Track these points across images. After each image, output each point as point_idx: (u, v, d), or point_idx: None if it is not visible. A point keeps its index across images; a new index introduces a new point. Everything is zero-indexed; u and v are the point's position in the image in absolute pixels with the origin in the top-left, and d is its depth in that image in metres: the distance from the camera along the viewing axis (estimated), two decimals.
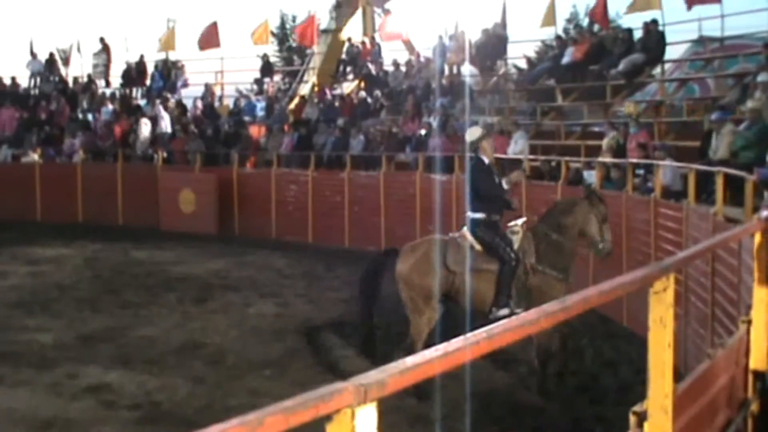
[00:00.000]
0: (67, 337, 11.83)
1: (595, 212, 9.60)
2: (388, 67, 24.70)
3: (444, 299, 9.50)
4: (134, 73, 27.52)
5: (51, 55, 28.58)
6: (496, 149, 10.52)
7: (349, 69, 25.84)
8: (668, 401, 3.49)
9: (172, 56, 27.53)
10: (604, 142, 16.09)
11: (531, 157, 17.16)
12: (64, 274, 16.36)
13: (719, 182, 10.15)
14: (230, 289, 15.19)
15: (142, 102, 26.70)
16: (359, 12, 26.10)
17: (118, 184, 22.86)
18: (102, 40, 28.19)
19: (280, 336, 12.01)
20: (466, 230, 9.58)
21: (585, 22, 36.40)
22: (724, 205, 9.93)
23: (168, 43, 27.26)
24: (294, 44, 38.47)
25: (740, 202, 9.59)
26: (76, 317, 12.99)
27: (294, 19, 41.99)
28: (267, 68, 27.07)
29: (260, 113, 24.59)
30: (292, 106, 25.02)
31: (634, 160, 13.91)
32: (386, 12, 26.45)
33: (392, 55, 25.36)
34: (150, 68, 27.59)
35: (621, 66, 18.91)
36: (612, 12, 24.77)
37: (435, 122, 19.75)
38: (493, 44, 22.77)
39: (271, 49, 33.97)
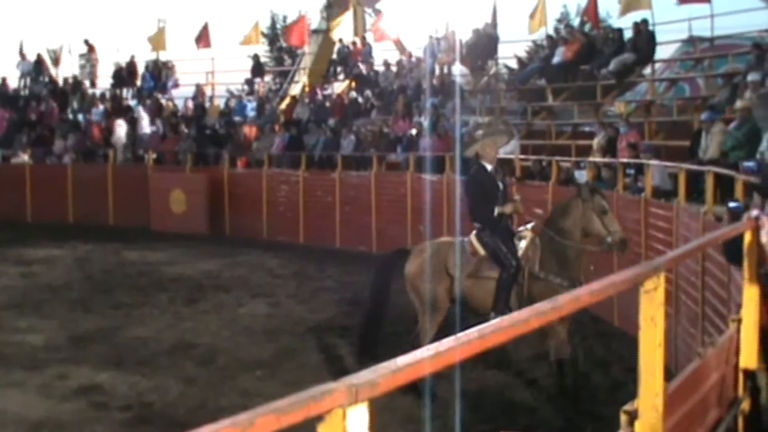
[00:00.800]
0: (58, 338, 11.80)
1: (591, 207, 9.04)
2: (379, 67, 24.69)
3: (452, 302, 9.32)
4: (125, 74, 27.47)
5: (39, 55, 28.49)
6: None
7: (339, 69, 25.84)
8: (659, 400, 3.50)
9: (163, 56, 27.49)
10: (595, 142, 16.13)
11: (522, 156, 17.19)
12: (55, 275, 16.32)
13: (709, 182, 10.18)
14: (222, 289, 15.18)
15: (133, 102, 26.65)
16: (350, 12, 26.10)
17: (108, 185, 22.81)
18: (87, 41, 28.17)
19: (272, 336, 12.00)
20: (473, 235, 9.32)
21: (576, 21, 36.43)
22: (714, 204, 9.96)
23: (158, 44, 27.22)
24: (285, 44, 38.37)
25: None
26: (68, 318, 12.96)
27: (285, 19, 41.94)
28: (258, 68, 27.05)
29: (251, 113, 24.57)
30: (283, 106, 25.01)
31: (625, 160, 13.94)
32: (377, 12, 26.45)
33: (383, 55, 25.39)
34: (141, 68, 27.55)
35: (611, 66, 18.95)
36: (602, 12, 24.85)
37: (426, 122, 19.76)
38: (484, 44, 22.80)
39: (262, 49, 33.94)
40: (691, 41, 20.48)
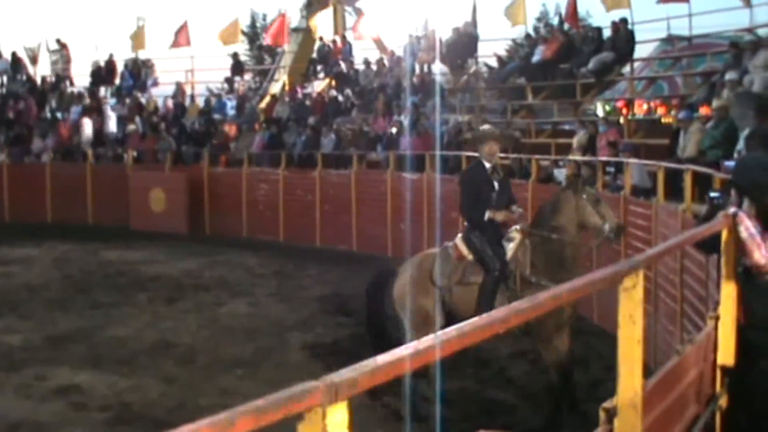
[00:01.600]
0: (36, 338, 11.74)
1: (584, 198, 8.39)
2: (359, 65, 24.69)
3: (445, 316, 8.60)
4: (104, 72, 27.33)
5: (14, 54, 28.26)
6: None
7: (320, 68, 25.81)
8: (638, 397, 3.52)
9: (142, 55, 27.38)
10: (575, 140, 16.19)
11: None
12: (33, 275, 16.22)
13: (688, 180, 10.24)
14: (201, 288, 15.15)
15: (112, 101, 26.52)
16: (329, 10, 26.05)
17: (87, 184, 22.69)
18: (58, 40, 28.01)
19: (252, 335, 11.98)
20: (458, 238, 8.77)
21: (555, 20, 36.57)
22: (693, 202, 10.02)
23: (138, 42, 27.10)
24: (265, 43, 38.30)
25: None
26: (46, 318, 12.89)
27: (264, 17, 41.90)
28: (238, 67, 26.96)
29: (231, 112, 24.51)
30: (262, 104, 24.96)
31: (604, 159, 14.00)
32: (358, 11, 26.43)
33: (363, 53, 25.39)
34: (120, 67, 27.41)
35: (591, 64, 19.02)
36: (582, 11, 24.92)
37: (406, 121, 19.77)
38: (464, 43, 22.82)
39: (242, 47, 33.87)
40: (670, 40, 20.60)
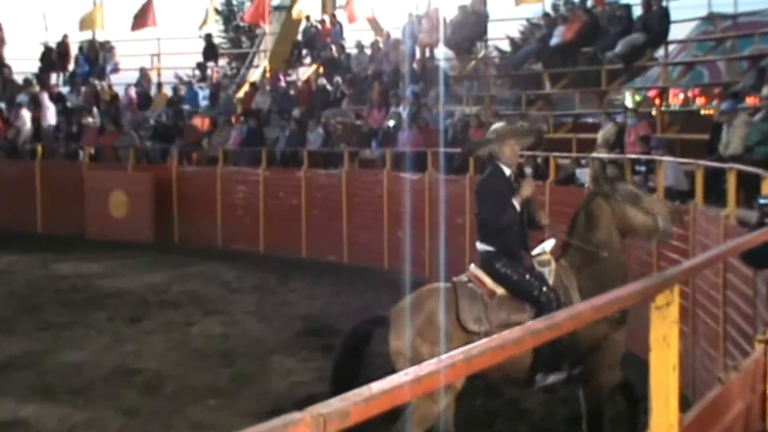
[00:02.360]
0: None
1: (619, 200, 7.96)
2: (351, 49, 24.70)
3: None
4: (55, 56, 27.32)
5: None
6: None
7: (305, 52, 25.83)
8: None
9: (100, 36, 27.38)
10: (599, 135, 16.20)
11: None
12: None
13: (731, 181, 10.23)
14: (169, 305, 15.14)
15: (65, 89, 26.51)
16: None
17: (36, 186, 22.68)
18: None
19: (228, 359, 11.97)
20: (475, 269, 8.01)
21: None
22: (737, 207, 10.01)
23: (94, 21, 27.10)
24: (242, 23, 38.32)
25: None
26: None
27: None
28: (211, 51, 26.97)
29: (203, 102, 24.53)
30: (240, 94, 24.98)
31: (634, 156, 14.00)
32: None
33: (355, 35, 25.39)
34: (74, 50, 27.40)
35: (618, 48, 19.02)
36: None
37: (405, 113, 19.79)
38: (472, 23, 22.85)
39: (216, 29, 33.87)
40: (711, 19, 20.60)
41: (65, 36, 27.65)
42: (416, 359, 7.40)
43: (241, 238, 20.42)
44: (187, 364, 11.78)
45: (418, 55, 23.00)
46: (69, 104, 25.24)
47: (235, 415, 9.67)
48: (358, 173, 19.44)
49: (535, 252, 8.04)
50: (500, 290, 7.83)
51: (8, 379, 11.13)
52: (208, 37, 27.17)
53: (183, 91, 25.35)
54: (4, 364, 11.74)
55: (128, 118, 23.88)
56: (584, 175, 14.96)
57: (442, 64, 22.42)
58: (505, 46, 28.85)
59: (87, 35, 27.45)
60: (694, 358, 10.10)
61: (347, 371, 8.03)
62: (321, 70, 24.50)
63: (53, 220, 22.31)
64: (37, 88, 25.63)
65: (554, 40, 20.71)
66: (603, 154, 15.11)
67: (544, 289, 7.73)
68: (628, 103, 18.75)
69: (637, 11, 19.52)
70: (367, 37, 25.08)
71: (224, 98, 24.51)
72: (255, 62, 26.91)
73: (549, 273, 7.88)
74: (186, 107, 24.21)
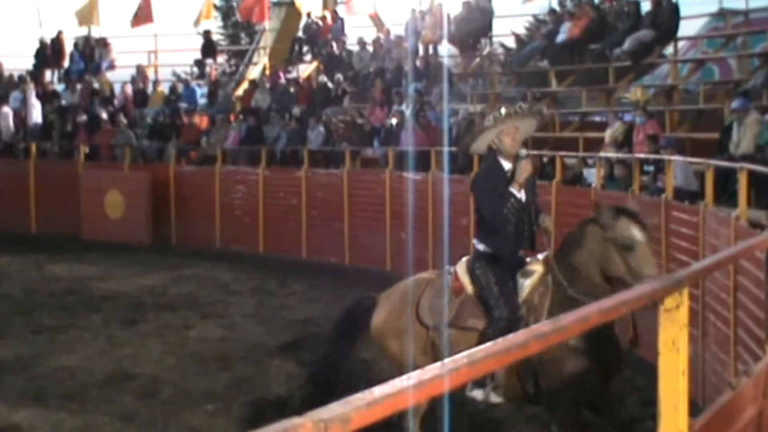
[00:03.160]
0: None
1: (611, 238, 7.18)
2: (353, 46, 24.69)
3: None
4: (50, 53, 27.31)
5: None
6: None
7: (306, 48, 25.81)
8: None
9: (96, 32, 27.37)
10: (607, 134, 16.19)
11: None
12: None
13: (742, 181, 10.22)
14: (166, 308, 15.15)
15: (59, 87, 26.51)
16: None
17: (30, 185, 22.69)
18: None
19: (226, 364, 11.96)
20: (461, 263, 7.92)
21: None
22: (748, 207, 10.01)
23: (89, 17, 27.09)
24: (241, 19, 38.34)
25: (767, 205, 9.66)
26: None
27: None
28: (209, 48, 26.96)
29: (201, 100, 24.51)
30: (239, 92, 24.96)
31: (642, 156, 13.99)
32: None
33: (357, 32, 25.37)
34: (69, 46, 27.40)
35: (626, 45, 19.01)
36: None
37: (408, 111, 19.78)
38: (476, 19, 22.84)
39: (215, 25, 33.89)
40: (722, 15, 20.58)
41: (60, 32, 27.64)
42: (382, 339, 8.12)
43: (240, 239, 20.43)
44: (184, 369, 11.77)
45: (421, 51, 22.99)
46: (63, 102, 25.21)
47: (233, 420, 9.68)
48: (360, 173, 19.43)
49: (529, 260, 7.75)
50: (469, 289, 7.72)
51: (0, 383, 11.13)
52: (207, 34, 27.17)
53: (180, 88, 25.33)
54: None
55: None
56: (591, 175, 14.97)
57: (446, 61, 22.41)
58: (511, 42, 28.85)
59: (82, 31, 27.45)
60: (704, 363, 10.09)
61: (339, 347, 8.43)
62: (321, 67, 24.49)
63: (47, 220, 22.31)
64: (31, 86, 25.63)
65: (561, 37, 20.69)
66: (611, 154, 15.11)
67: (502, 303, 7.45)
68: (638, 100, 18.70)
69: (646, 7, 19.48)
70: (369, 34, 25.10)
71: (223, 96, 24.49)
72: (254, 59, 26.89)
73: (526, 286, 7.56)
74: (183, 105, 24.17)
